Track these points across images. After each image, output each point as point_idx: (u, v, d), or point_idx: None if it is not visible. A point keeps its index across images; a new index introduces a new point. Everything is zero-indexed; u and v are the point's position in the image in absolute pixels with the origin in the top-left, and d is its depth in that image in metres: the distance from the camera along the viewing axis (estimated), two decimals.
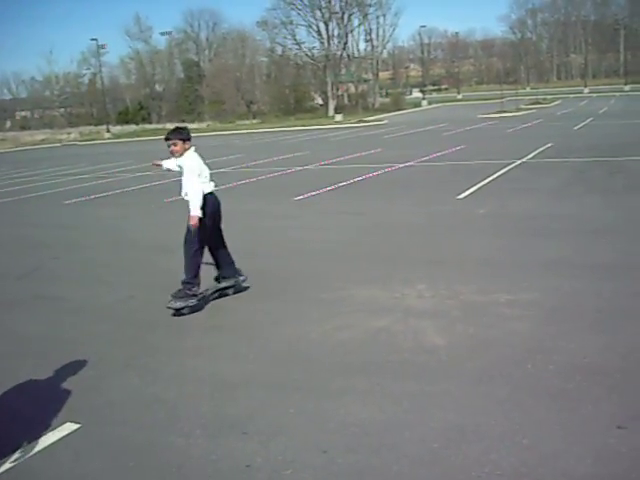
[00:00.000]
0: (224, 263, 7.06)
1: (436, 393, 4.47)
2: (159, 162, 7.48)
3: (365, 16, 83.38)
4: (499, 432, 3.90)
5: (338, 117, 59.84)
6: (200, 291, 6.81)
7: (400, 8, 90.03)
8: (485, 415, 4.12)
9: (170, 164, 7.19)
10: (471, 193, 12.95)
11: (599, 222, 9.54)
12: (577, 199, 11.57)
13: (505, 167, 16.70)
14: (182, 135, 6.74)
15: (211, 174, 6.94)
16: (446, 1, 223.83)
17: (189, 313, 6.60)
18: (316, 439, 3.99)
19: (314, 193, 14.47)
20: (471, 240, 9.05)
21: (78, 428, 4.39)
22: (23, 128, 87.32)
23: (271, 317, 6.40)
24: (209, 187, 6.81)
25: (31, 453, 4.11)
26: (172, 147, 6.69)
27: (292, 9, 77.02)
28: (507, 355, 5.03)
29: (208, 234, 6.75)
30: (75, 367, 5.48)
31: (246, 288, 7.24)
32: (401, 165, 19.10)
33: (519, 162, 17.72)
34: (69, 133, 68.93)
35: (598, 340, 5.18)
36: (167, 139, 6.72)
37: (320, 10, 77.02)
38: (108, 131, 63.07)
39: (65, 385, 5.12)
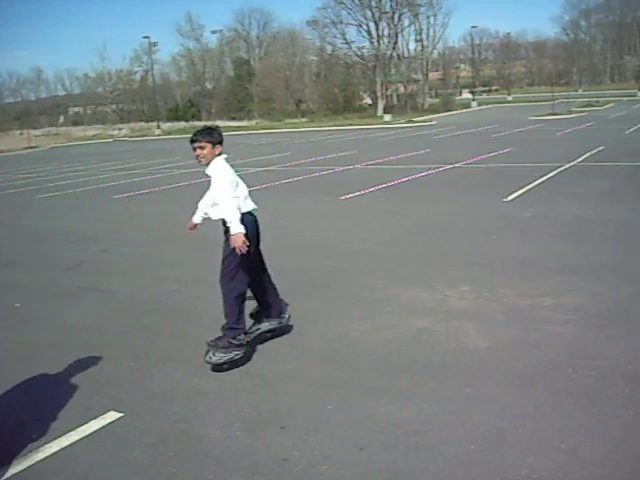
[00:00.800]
0: (269, 297, 5.73)
1: (476, 395, 4.45)
2: (193, 223, 5.92)
3: (416, 16, 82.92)
4: (538, 436, 3.86)
5: (387, 117, 59.71)
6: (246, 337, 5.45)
7: (451, 8, 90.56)
8: (524, 418, 4.08)
9: (200, 212, 5.81)
10: (518, 196, 12.80)
11: None
12: (628, 203, 11.34)
13: (554, 170, 16.46)
14: (212, 137, 5.22)
15: (249, 189, 5.59)
16: (498, 1, 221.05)
17: (230, 369, 5.22)
18: (354, 436, 4.01)
19: (360, 193, 14.47)
20: (517, 243, 8.95)
21: (121, 417, 4.49)
22: (76, 123, 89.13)
23: (313, 315, 6.42)
24: (248, 205, 5.39)
25: (76, 439, 4.21)
26: (199, 151, 5.21)
27: (342, 8, 77.25)
28: (549, 359, 4.97)
29: (248, 262, 5.36)
30: (118, 357, 5.60)
31: (290, 328, 6.00)
32: (449, 166, 18.96)
33: (568, 165, 17.45)
34: (120, 129, 70.10)
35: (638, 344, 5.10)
36: (193, 141, 5.23)
37: (370, 10, 77.03)
38: (158, 127, 63.93)
39: (109, 375, 5.23)
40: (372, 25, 77.20)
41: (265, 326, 5.72)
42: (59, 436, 4.24)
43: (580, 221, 10.08)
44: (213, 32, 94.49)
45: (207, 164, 5.26)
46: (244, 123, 66.76)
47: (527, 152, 22.19)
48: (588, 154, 19.75)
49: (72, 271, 9.17)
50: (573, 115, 50.03)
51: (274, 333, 5.79)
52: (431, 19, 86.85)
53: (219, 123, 67.50)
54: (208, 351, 5.18)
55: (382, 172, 18.59)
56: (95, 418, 4.46)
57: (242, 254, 5.10)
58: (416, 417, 4.18)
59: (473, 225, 10.40)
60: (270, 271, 5.79)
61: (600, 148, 21.26)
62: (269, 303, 5.73)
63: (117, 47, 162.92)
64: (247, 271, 5.36)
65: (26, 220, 14.64)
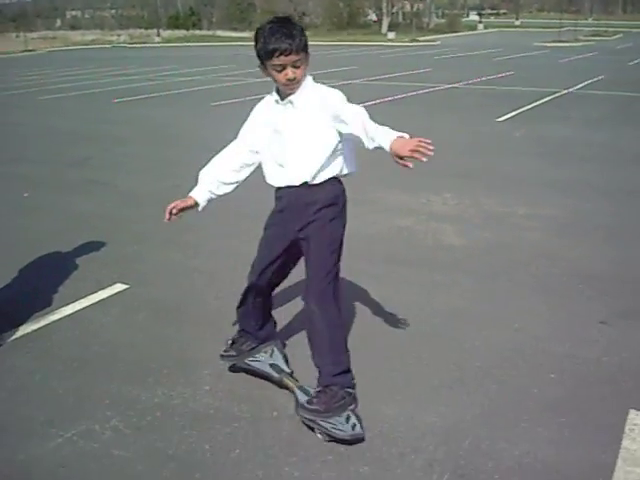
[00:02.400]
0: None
1: (446, 283, 4.98)
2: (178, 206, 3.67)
3: None
4: (495, 317, 4.40)
5: (391, 35, 58.87)
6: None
7: None
8: (485, 303, 4.62)
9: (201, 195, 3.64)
10: (511, 117, 13.15)
11: (631, 151, 9.76)
12: (615, 130, 11.72)
13: (550, 95, 16.72)
14: (307, 45, 3.10)
15: None
16: None
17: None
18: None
19: (361, 104, 14.72)
20: (502, 159, 9.39)
21: (127, 288, 5.01)
22: (73, 28, 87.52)
23: None
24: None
25: (87, 304, 4.73)
26: (292, 70, 3.05)
27: None
28: (516, 258, 5.49)
29: None
30: (124, 241, 6.10)
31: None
32: (447, 86, 19.16)
33: (565, 92, 17.69)
34: (119, 35, 68.91)
35: (603, 252, 5.60)
36: (285, 51, 2.98)
37: None
38: (158, 35, 62.92)
39: (115, 255, 5.74)
40: None
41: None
42: (72, 302, 4.76)
43: (564, 143, 10.49)
44: None
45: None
46: (245, 34, 65.68)
47: (527, 77, 22.30)
48: (586, 82, 19.92)
49: (77, 166, 9.58)
50: (579, 44, 49.49)
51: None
52: None
53: (220, 33, 66.50)
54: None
55: (381, 88, 18.78)
56: (103, 288, 4.98)
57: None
58: (391, 296, 4.69)
59: (463, 141, 10.79)
60: None
61: (599, 77, 21.39)
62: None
63: None
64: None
65: (29, 119, 14.90)
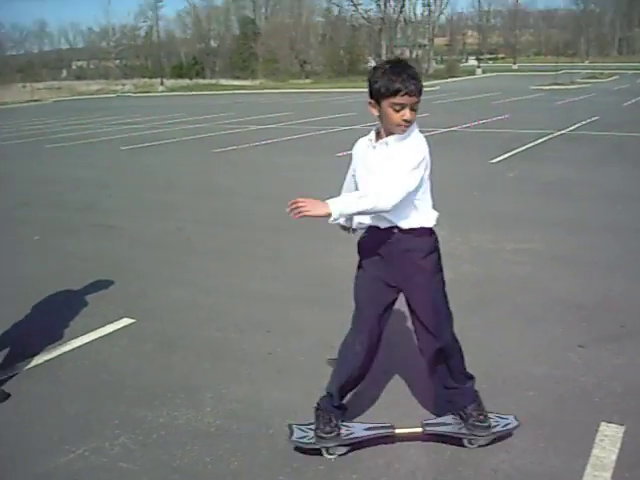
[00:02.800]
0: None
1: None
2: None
3: None
4: (480, 343, 4.67)
5: None
6: None
7: None
8: (472, 331, 4.88)
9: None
10: (505, 158, 13.53)
11: (620, 190, 10.08)
12: (605, 168, 12.08)
13: (544, 137, 17.15)
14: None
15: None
16: None
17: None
18: (325, 338, 4.82)
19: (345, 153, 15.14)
20: (494, 198, 9.74)
21: (133, 322, 5.30)
22: (79, 78, 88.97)
23: (301, 250, 7.23)
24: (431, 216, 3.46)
25: (95, 337, 5.02)
26: (412, 112, 3.15)
27: None
28: (502, 290, 5.78)
29: None
30: (129, 280, 6.41)
31: None
32: (444, 130, 19.63)
33: (559, 133, 18.13)
34: (123, 84, 70.12)
35: (586, 284, 5.89)
36: (411, 92, 3.07)
37: None
38: (162, 84, 64.05)
39: (121, 292, 6.04)
40: None
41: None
42: (81, 335, 5.05)
43: (556, 182, 10.83)
44: None
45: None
46: (248, 82, 66.88)
47: (523, 119, 22.82)
48: (581, 123, 20.38)
49: (83, 211, 9.94)
50: (575, 86, 50.28)
51: None
52: None
53: (222, 82, 67.71)
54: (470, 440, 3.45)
55: None
56: (111, 322, 5.28)
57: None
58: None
59: (458, 182, 11.14)
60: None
61: (594, 118, 21.87)
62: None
63: (122, 2, 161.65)
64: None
65: (36, 167, 15.34)
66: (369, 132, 3.40)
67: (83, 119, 29.90)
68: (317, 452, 3.36)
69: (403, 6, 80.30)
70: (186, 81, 71.48)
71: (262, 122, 24.34)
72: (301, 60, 77.12)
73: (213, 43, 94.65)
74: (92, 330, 5.12)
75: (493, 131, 19.27)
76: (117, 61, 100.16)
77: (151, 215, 9.50)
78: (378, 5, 78.01)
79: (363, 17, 79.60)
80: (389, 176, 3.10)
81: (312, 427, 3.41)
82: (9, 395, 4.12)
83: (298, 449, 3.39)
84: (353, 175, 3.57)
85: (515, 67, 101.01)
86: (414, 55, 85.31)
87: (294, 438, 3.40)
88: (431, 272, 3.39)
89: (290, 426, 3.48)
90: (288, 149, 16.51)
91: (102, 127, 25.16)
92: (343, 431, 3.41)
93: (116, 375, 4.40)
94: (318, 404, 3.44)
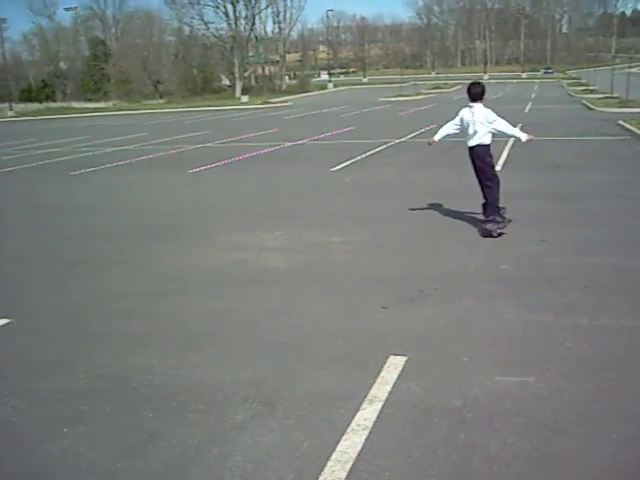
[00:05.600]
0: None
1: (269, 292, 6.37)
2: (433, 139, 8.90)
3: None
4: (306, 312, 5.80)
5: (244, 98, 61.32)
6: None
7: None
8: (300, 303, 6.05)
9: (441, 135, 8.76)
10: (344, 166, 14.95)
11: (440, 188, 11.63)
12: (430, 171, 13.75)
13: (383, 145, 18.85)
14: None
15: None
16: None
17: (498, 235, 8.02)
18: (174, 321, 5.81)
19: (208, 166, 16.15)
20: (329, 200, 11.05)
21: (9, 322, 6.05)
22: None
23: (162, 252, 8.17)
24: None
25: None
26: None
27: None
28: (326, 272, 6.98)
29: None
30: (2, 289, 7.09)
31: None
32: (292, 143, 20.99)
33: (397, 141, 19.92)
34: None
35: (392, 261, 7.23)
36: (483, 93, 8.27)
37: None
38: (11, 109, 62.14)
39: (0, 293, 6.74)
40: (229, 6, 78.35)
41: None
42: None
43: (386, 184, 12.32)
44: (67, 9, 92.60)
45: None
46: (101, 104, 66.17)
47: (366, 130, 24.66)
48: (418, 132, 22.35)
49: None
50: (421, 97, 53.53)
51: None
52: (288, 1, 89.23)
53: (75, 104, 66.57)
54: (485, 222, 8.21)
55: (231, 149, 20.31)
56: None
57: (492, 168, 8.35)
58: (228, 306, 6.01)
59: (298, 188, 12.43)
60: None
61: (432, 126, 23.87)
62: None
63: None
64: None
65: None
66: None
67: None
68: None
69: (254, 24, 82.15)
70: (36, 105, 69.65)
71: (117, 144, 24.83)
72: (154, 80, 77.06)
73: (63, 65, 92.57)
74: None
75: (337, 142, 20.83)
76: None
77: (11, 233, 10.06)
78: (229, 24, 79.44)
79: (215, 36, 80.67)
80: (502, 122, 8.21)
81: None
82: None
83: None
84: (456, 124, 8.49)
85: (365, 80, 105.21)
86: (267, 71, 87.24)
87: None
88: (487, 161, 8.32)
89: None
90: (143, 168, 17.25)
91: None
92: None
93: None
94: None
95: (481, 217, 8.40)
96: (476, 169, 8.31)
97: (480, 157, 8.18)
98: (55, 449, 3.86)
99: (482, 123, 8.03)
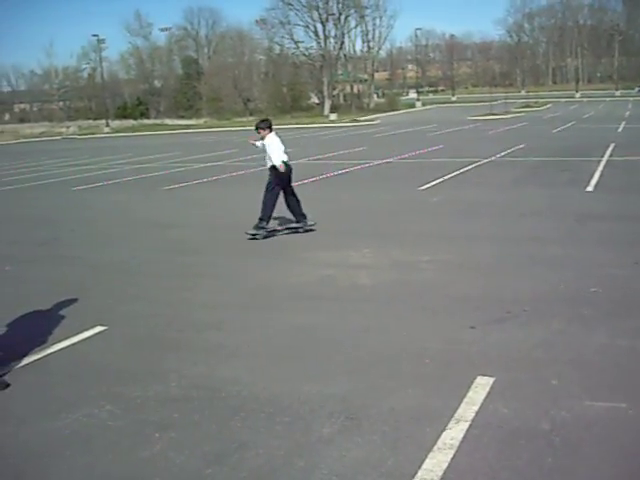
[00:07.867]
0: (294, 209, 10.27)
1: (354, 310, 6.43)
2: (252, 142, 11.28)
3: (362, 17, 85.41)
4: (393, 330, 5.82)
5: (332, 116, 61.89)
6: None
7: (396, 10, 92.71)
8: (387, 320, 6.07)
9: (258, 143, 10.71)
10: (432, 185, 14.88)
11: (529, 208, 11.45)
12: (520, 190, 13.54)
13: (471, 164, 18.65)
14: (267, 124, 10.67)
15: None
16: (443, 4, 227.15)
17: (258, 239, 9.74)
18: (263, 335, 5.91)
19: (296, 183, 16.30)
20: (417, 219, 11.04)
21: (105, 329, 6.30)
22: (22, 121, 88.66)
23: (252, 269, 8.34)
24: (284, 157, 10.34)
25: (76, 340, 6.01)
26: (260, 132, 10.57)
27: (290, 9, 79.09)
28: (412, 290, 6.99)
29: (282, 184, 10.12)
30: (98, 297, 7.40)
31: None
32: (380, 162, 21.03)
33: (486, 160, 19.67)
34: (68, 127, 70.38)
35: (480, 281, 7.18)
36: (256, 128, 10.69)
37: (317, 11, 79.04)
38: (107, 125, 64.61)
39: (93, 307, 7.02)
40: (319, 26, 79.33)
41: (292, 225, 10.36)
42: (63, 339, 6.03)
43: (474, 204, 12.19)
44: (162, 30, 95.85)
45: (262, 138, 10.51)
46: (192, 121, 67.98)
47: (455, 149, 24.45)
48: (507, 151, 22.04)
49: (46, 245, 10.84)
50: (510, 115, 52.68)
51: (297, 230, 10.25)
52: (377, 20, 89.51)
53: (167, 121, 68.64)
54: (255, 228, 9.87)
55: (319, 167, 20.50)
56: (87, 329, 6.26)
57: (277, 181, 10.05)
58: (317, 321, 6.10)
59: (386, 207, 12.44)
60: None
61: (521, 146, 23.59)
62: (295, 213, 10.34)
63: (64, 44, 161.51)
64: (278, 191, 10.10)
65: None
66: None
67: (31, 162, 30.54)
68: None
69: (343, 43, 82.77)
70: (131, 122, 72.19)
71: (207, 160, 25.47)
72: (245, 98, 78.66)
73: (157, 83, 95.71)
74: (72, 335, 6.10)
75: (425, 161, 20.75)
76: (61, 103, 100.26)
77: (109, 246, 10.45)
78: (319, 43, 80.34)
79: (304, 54, 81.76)
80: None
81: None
82: (9, 384, 5.08)
83: None
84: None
85: (454, 99, 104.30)
86: (355, 90, 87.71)
87: None
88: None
89: None
90: (233, 183, 17.65)
91: (51, 169, 25.91)
92: None
93: (95, 366, 5.41)
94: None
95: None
96: None
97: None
98: (147, 453, 4.00)
99: None
